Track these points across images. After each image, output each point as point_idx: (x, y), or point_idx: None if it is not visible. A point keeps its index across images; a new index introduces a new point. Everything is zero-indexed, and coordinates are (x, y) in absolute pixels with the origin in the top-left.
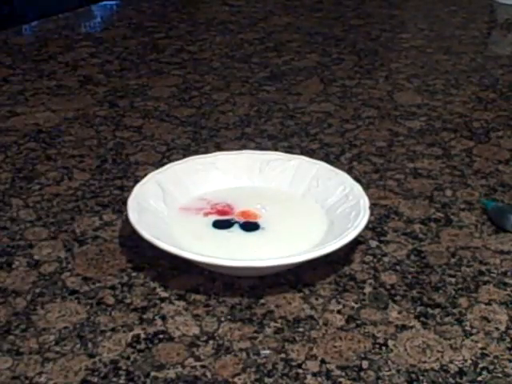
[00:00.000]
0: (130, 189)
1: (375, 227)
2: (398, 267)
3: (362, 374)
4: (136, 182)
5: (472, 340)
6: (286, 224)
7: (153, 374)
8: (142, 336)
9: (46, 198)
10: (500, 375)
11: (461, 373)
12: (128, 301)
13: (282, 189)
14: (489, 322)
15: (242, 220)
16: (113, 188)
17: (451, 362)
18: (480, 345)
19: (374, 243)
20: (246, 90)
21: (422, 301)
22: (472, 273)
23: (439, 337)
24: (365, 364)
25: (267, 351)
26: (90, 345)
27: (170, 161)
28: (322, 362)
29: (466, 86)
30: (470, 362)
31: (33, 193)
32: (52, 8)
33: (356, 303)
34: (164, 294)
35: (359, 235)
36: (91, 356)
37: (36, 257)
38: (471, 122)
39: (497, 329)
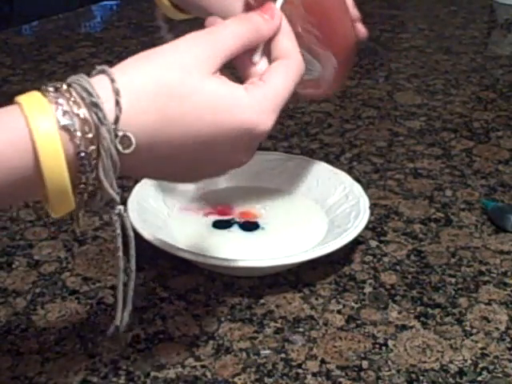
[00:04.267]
0: (129, 189)
1: (375, 227)
2: (398, 267)
3: (362, 373)
4: (136, 181)
5: (472, 340)
6: (286, 224)
7: (153, 373)
8: (142, 336)
9: None
10: (500, 375)
11: (461, 373)
12: None
13: (282, 189)
14: (489, 321)
15: (241, 220)
16: None
17: (451, 362)
18: (480, 345)
19: (374, 243)
20: None
21: (422, 301)
22: (472, 273)
23: (439, 337)
24: (365, 364)
25: (267, 351)
26: (89, 345)
27: None
28: (322, 361)
29: (465, 86)
30: (469, 361)
31: None
32: (52, 8)
33: (356, 303)
34: (164, 294)
35: (359, 235)
36: (91, 356)
37: (36, 257)
38: (471, 122)
39: (497, 329)
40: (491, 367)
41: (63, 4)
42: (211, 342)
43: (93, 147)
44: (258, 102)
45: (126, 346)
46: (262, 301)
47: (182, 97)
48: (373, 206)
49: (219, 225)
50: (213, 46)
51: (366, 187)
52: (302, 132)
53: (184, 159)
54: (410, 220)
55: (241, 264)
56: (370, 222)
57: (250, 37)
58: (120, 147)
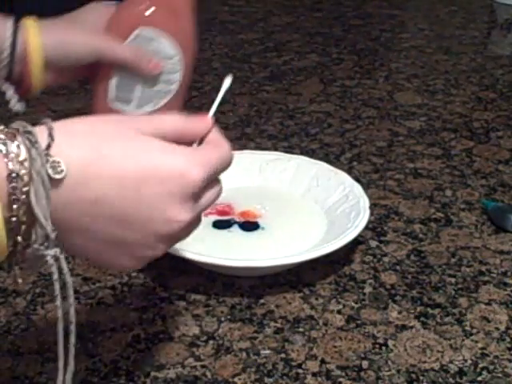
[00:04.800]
0: None
1: (375, 227)
2: (398, 267)
3: (362, 373)
4: None
5: (472, 340)
6: (285, 224)
7: (153, 373)
8: (142, 336)
9: None
10: (500, 375)
11: (461, 373)
12: (128, 301)
13: (282, 189)
14: (489, 321)
15: (241, 220)
16: None
17: (451, 362)
18: (480, 345)
19: (374, 243)
20: (246, 89)
21: (422, 301)
22: (472, 273)
23: (439, 337)
24: (365, 364)
25: (267, 351)
26: (90, 345)
27: None
28: (322, 361)
29: (465, 86)
30: (469, 361)
31: None
32: (52, 8)
33: (356, 303)
34: (164, 294)
35: (359, 235)
36: (91, 356)
37: None
38: (471, 122)
39: (497, 329)
40: (491, 367)
41: (63, 4)
42: (211, 341)
43: (24, 171)
44: (189, 153)
45: (125, 346)
46: (261, 301)
47: (114, 138)
48: (373, 206)
49: (219, 225)
50: (150, 120)
51: (366, 187)
52: (302, 132)
53: (114, 207)
54: (410, 220)
55: (241, 264)
56: (370, 221)
57: (186, 127)
58: (51, 171)
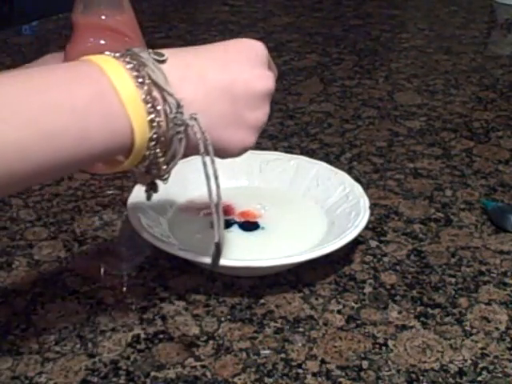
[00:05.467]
0: (129, 189)
1: (375, 227)
2: (398, 267)
3: (362, 373)
4: (136, 181)
5: (472, 340)
6: (286, 224)
7: (153, 373)
8: (142, 336)
9: (46, 197)
10: (500, 375)
11: (461, 373)
12: (128, 301)
13: (282, 189)
14: (489, 322)
15: (241, 220)
16: (112, 188)
17: (451, 362)
18: (480, 345)
19: (374, 243)
20: None
21: (422, 301)
22: (472, 273)
23: (439, 337)
24: (365, 364)
25: (267, 351)
26: (90, 345)
27: None
28: (322, 362)
29: (465, 86)
30: (469, 361)
31: (33, 193)
32: (52, 8)
33: (356, 303)
34: (164, 294)
35: (359, 235)
36: (91, 356)
37: (36, 257)
38: (471, 121)
39: (497, 329)
40: (491, 367)
41: (63, 4)
42: (211, 341)
43: (135, 62)
44: None
45: (125, 346)
46: (262, 301)
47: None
48: (373, 206)
49: None
50: None
51: (365, 187)
52: (301, 132)
53: (214, 76)
54: (410, 220)
55: (241, 264)
56: (370, 221)
57: None
58: (156, 57)
